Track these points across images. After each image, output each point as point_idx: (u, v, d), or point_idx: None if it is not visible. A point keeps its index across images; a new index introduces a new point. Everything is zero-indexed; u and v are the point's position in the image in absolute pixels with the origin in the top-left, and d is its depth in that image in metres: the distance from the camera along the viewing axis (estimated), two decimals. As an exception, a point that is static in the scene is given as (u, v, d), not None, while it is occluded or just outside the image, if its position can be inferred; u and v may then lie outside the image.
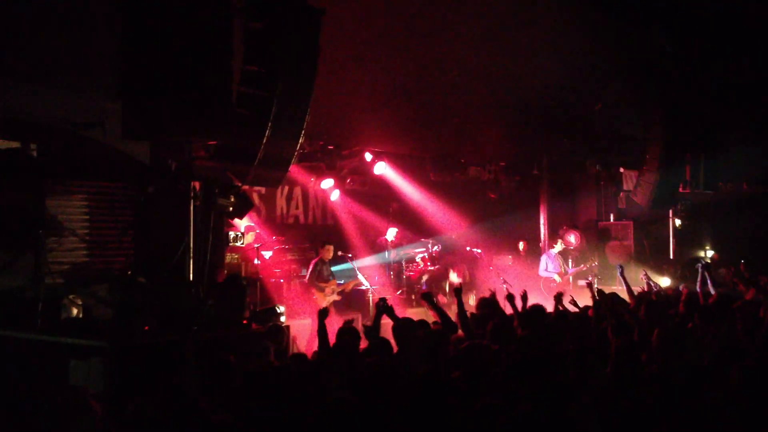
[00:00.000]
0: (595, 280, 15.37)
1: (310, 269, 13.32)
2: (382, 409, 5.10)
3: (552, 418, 4.89)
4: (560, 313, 8.91)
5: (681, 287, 12.20)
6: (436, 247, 16.27)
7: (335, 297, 13.15)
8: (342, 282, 13.57)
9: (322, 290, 13.05)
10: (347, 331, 7.56)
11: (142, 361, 7.89)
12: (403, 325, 7.49)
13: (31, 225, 9.38)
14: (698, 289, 10.71)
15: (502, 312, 8.85)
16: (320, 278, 13.17)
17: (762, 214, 18.22)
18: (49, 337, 8.27)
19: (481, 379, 5.90)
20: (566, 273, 16.32)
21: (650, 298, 10.29)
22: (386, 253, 15.49)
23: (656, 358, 6.40)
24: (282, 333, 8.93)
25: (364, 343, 7.50)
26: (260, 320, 10.22)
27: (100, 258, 10.11)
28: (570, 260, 17.06)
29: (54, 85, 9.49)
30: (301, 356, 7.26)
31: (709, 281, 10.55)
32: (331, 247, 13.52)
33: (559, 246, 16.68)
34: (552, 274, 16.16)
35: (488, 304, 9.04)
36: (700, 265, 10.89)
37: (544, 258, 16.60)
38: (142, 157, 10.06)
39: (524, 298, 9.15)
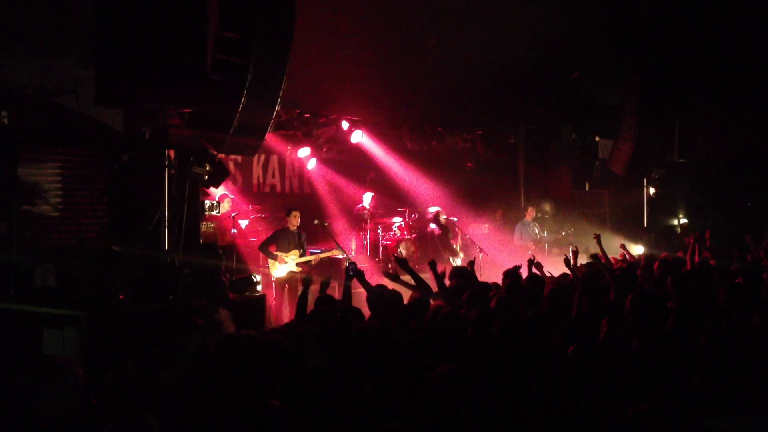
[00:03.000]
0: (571, 248, 15.48)
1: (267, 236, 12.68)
2: (366, 377, 5.10)
3: (530, 382, 4.93)
4: (534, 277, 8.91)
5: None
6: (413, 216, 16.28)
7: (294, 268, 12.34)
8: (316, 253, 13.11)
9: (274, 258, 12.22)
10: (324, 299, 7.54)
11: (117, 330, 7.86)
12: (378, 293, 7.48)
13: (3, 193, 9.28)
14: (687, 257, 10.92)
15: (476, 280, 8.89)
16: (279, 247, 12.36)
17: (736, 182, 18.38)
18: (22, 306, 8.21)
19: (459, 344, 5.92)
20: (541, 241, 16.42)
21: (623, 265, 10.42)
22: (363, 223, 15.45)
23: (628, 322, 6.45)
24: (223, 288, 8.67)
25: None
26: (237, 289, 10.21)
27: (74, 227, 10.03)
28: (545, 228, 17.14)
29: (25, 51, 9.34)
30: (278, 327, 7.25)
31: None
32: (297, 214, 12.60)
33: (533, 215, 16.75)
34: (526, 242, 16.25)
35: (461, 273, 9.07)
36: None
37: (518, 227, 16.68)
38: (116, 124, 9.96)
39: (532, 265, 9.27)
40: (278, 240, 12.37)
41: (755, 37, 14.91)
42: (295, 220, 12.56)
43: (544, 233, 16.74)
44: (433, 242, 16.32)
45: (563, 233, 16.73)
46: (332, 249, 13.10)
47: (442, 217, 16.18)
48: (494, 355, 5.58)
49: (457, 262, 15.15)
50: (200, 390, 4.65)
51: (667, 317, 6.50)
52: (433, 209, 16.51)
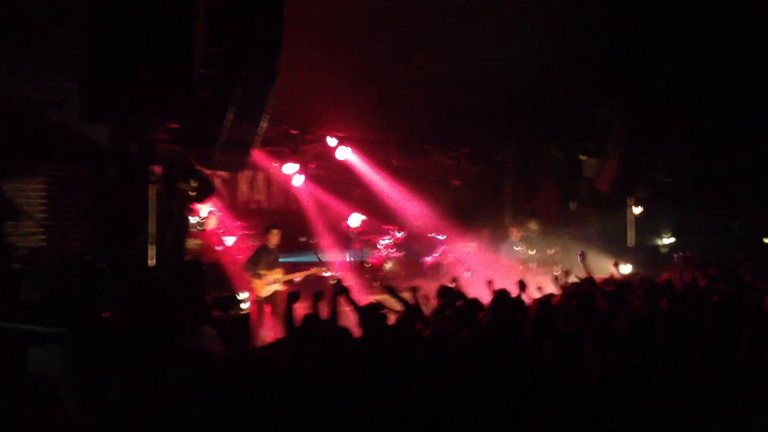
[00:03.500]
0: (558, 268, 15.47)
1: (250, 255, 12.52)
2: (358, 392, 5.07)
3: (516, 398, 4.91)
4: (517, 299, 8.90)
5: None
6: (400, 234, 16.25)
7: (278, 286, 12.23)
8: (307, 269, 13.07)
9: (259, 277, 12.10)
10: (311, 317, 7.50)
11: (102, 347, 7.78)
12: (366, 312, 7.45)
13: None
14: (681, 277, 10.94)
15: (464, 298, 8.87)
16: (260, 266, 12.22)
17: (721, 203, 18.46)
18: (6, 323, 8.12)
19: (446, 362, 5.90)
20: (527, 260, 16.42)
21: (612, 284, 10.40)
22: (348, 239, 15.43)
23: (622, 341, 6.44)
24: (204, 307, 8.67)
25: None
26: (222, 306, 10.15)
27: (59, 242, 9.95)
28: (532, 247, 17.14)
29: (11, 64, 9.28)
30: (265, 346, 7.19)
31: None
32: (277, 232, 12.54)
33: (517, 235, 16.72)
34: (512, 261, 16.26)
35: (447, 291, 9.05)
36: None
37: (503, 247, 16.67)
38: (102, 139, 9.90)
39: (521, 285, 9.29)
40: (260, 259, 12.21)
41: (744, 58, 15.02)
42: (274, 239, 12.47)
43: (530, 252, 16.74)
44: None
45: (551, 251, 16.72)
46: (317, 267, 13.00)
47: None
48: (484, 372, 5.56)
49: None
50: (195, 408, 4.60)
51: (656, 337, 6.50)
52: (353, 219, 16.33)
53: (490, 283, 9.57)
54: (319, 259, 13.01)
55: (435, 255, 16.49)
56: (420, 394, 4.50)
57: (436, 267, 16.31)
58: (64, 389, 3.70)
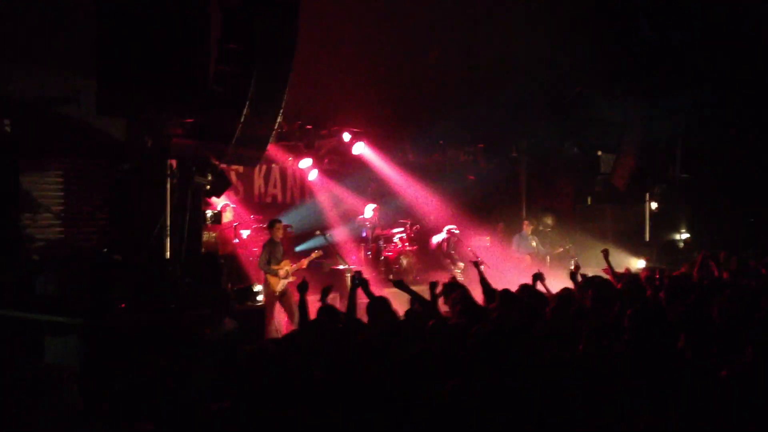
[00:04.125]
0: (572, 263, 15.46)
1: (261, 253, 12.46)
2: (368, 389, 5.10)
3: (527, 397, 4.92)
4: (535, 292, 8.90)
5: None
6: (414, 228, 16.29)
7: (291, 278, 12.23)
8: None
9: (275, 274, 12.15)
10: (326, 310, 7.53)
11: (117, 338, 7.87)
12: (378, 304, 7.48)
13: (5, 202, 9.30)
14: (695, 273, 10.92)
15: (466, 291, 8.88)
16: (273, 260, 12.23)
17: (739, 199, 18.37)
18: (23, 313, 8.22)
19: (453, 358, 5.92)
20: (538, 254, 16.47)
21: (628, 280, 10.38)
22: (362, 230, 15.44)
23: (628, 337, 6.44)
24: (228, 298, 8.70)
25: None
26: (237, 299, 10.21)
27: (76, 235, 10.06)
28: (547, 242, 17.16)
29: (28, 61, 9.39)
30: (278, 339, 7.23)
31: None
32: (282, 225, 12.63)
33: (530, 228, 16.79)
34: (523, 254, 16.32)
35: (452, 286, 9.04)
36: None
37: (516, 238, 16.75)
38: (118, 134, 9.99)
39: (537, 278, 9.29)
40: (272, 254, 12.31)
41: (760, 54, 14.95)
42: (279, 232, 12.58)
43: (542, 247, 16.79)
44: (439, 253, 16.39)
45: (564, 248, 16.74)
46: (312, 254, 13.06)
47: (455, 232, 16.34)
48: (496, 369, 5.58)
49: (458, 272, 15.11)
50: (215, 400, 4.64)
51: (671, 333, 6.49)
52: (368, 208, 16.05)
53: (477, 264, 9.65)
54: (326, 239, 13.13)
55: (441, 236, 16.55)
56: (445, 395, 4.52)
57: (450, 258, 16.35)
58: (72, 380, 3.71)
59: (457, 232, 16.25)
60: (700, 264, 11.36)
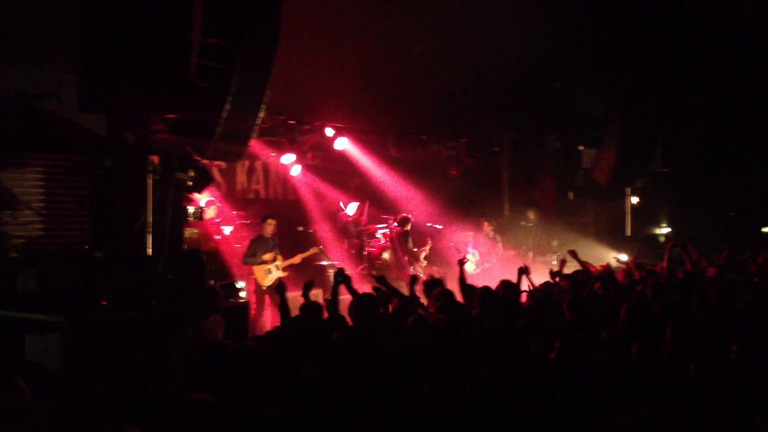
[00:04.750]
0: (555, 257, 15.53)
1: (246, 248, 12.63)
2: (352, 386, 5.09)
3: (512, 391, 4.94)
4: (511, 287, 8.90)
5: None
6: (396, 224, 16.27)
7: (280, 273, 12.38)
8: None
9: (262, 262, 12.32)
10: (308, 306, 7.53)
11: (99, 336, 7.82)
12: (361, 301, 7.48)
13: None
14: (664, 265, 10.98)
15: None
16: (257, 256, 12.40)
17: (719, 193, 18.51)
18: (3, 311, 8.16)
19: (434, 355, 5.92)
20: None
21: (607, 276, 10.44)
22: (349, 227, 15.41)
23: (622, 332, 6.47)
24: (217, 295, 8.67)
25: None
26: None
27: (57, 232, 9.97)
28: (530, 236, 17.22)
29: (8, 56, 9.30)
30: (262, 337, 7.21)
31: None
32: (273, 222, 12.69)
33: (488, 229, 16.60)
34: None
35: (432, 283, 9.04)
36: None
37: (479, 239, 16.57)
38: (99, 130, 9.92)
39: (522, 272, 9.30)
40: (258, 249, 12.37)
41: (740, 49, 15.04)
42: (270, 228, 12.64)
43: (528, 242, 16.85)
44: (394, 246, 15.52)
45: (553, 243, 16.83)
46: (305, 252, 13.10)
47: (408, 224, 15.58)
48: (475, 365, 5.59)
49: (419, 269, 14.86)
50: (191, 399, 4.60)
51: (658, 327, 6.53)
52: (350, 207, 15.70)
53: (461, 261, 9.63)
54: (321, 251, 13.16)
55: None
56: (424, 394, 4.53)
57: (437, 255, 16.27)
58: (20, 382, 3.61)
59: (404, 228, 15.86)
60: (668, 256, 11.48)
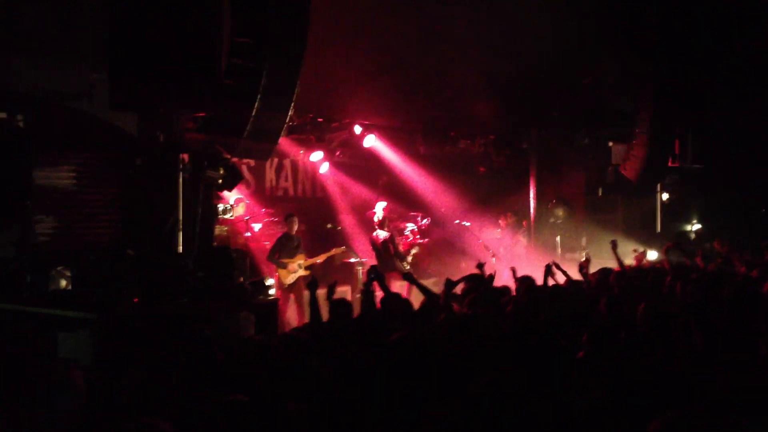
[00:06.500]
0: (582, 254, 15.42)
1: (272, 245, 12.71)
2: (400, 384, 5.06)
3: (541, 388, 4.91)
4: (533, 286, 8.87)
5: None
6: (425, 221, 16.26)
7: (302, 272, 12.43)
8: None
9: (284, 266, 12.37)
10: (340, 303, 7.52)
11: (130, 333, 7.89)
12: (392, 298, 7.49)
13: (19, 196, 9.33)
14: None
15: (486, 284, 8.87)
16: (284, 254, 12.49)
17: (749, 188, 18.29)
18: (36, 308, 8.25)
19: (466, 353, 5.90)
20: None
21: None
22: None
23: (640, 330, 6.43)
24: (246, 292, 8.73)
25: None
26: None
27: (88, 230, 10.09)
28: (558, 233, 17.13)
29: (40, 56, 9.41)
30: (289, 335, 7.21)
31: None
32: (296, 219, 12.78)
33: (503, 224, 16.59)
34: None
35: (473, 278, 9.05)
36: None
37: (490, 234, 16.51)
38: (130, 128, 10.01)
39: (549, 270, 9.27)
40: (283, 247, 12.45)
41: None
42: (294, 226, 12.75)
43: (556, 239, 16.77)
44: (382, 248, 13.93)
45: (582, 239, 16.74)
46: (337, 248, 13.14)
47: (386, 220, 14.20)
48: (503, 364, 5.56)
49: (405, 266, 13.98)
50: (213, 394, 4.62)
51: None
52: (378, 207, 14.55)
53: (513, 270, 9.59)
54: (350, 248, 13.17)
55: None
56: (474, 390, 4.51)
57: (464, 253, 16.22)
58: (78, 375, 3.69)
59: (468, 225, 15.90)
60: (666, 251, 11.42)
